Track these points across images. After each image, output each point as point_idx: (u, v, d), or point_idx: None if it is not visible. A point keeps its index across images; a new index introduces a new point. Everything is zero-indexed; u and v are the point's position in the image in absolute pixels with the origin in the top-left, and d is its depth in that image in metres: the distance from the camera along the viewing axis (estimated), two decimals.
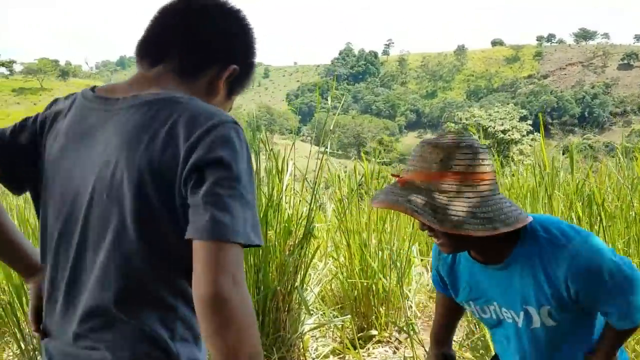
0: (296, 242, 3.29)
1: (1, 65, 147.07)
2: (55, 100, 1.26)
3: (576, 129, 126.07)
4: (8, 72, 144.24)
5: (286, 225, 3.24)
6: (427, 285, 4.66)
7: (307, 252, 3.41)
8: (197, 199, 0.97)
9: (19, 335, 3.45)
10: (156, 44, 1.19)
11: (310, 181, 3.59)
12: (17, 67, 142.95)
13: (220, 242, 0.95)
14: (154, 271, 1.05)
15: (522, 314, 1.43)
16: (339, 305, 4.16)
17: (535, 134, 44.08)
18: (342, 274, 4.08)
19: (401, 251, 4.02)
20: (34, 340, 3.36)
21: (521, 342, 1.49)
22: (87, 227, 1.08)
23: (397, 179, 1.36)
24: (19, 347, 3.48)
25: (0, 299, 3.67)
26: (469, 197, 1.27)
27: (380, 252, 3.98)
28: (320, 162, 3.49)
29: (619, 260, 1.33)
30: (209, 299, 0.91)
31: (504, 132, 45.95)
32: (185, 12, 1.19)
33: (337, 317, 3.97)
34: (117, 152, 1.05)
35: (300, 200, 3.53)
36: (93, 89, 1.20)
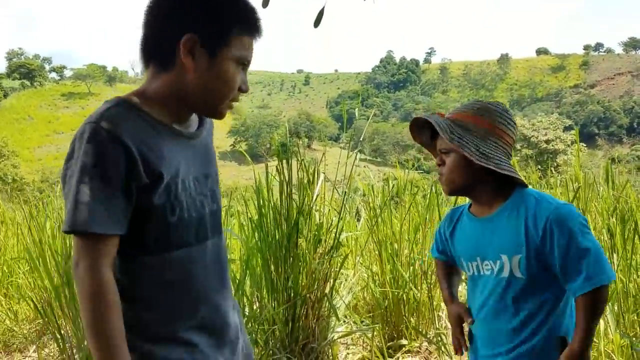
0: (326, 250, 3.32)
1: (53, 70, 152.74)
2: None
3: (625, 139, 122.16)
4: (59, 77, 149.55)
5: (316, 233, 3.27)
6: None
7: (336, 261, 3.43)
8: None
9: (58, 335, 3.58)
10: (141, 47, 1.27)
11: (343, 189, 3.62)
12: (67, 73, 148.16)
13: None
14: None
15: (497, 262, 1.59)
16: (370, 314, 4.16)
17: (581, 144, 42.93)
18: (373, 282, 4.08)
19: (432, 262, 3.99)
20: (73, 340, 3.48)
21: (487, 292, 1.63)
22: None
23: (439, 114, 1.65)
24: (58, 345, 3.61)
25: (41, 297, 3.81)
26: (486, 141, 1.55)
27: (412, 263, 3.97)
28: (351, 171, 3.52)
29: (587, 229, 1.50)
30: None
31: (547, 142, 44.96)
32: (145, 12, 1.26)
33: (368, 325, 3.97)
34: None
35: (329, 210, 3.56)
36: None
